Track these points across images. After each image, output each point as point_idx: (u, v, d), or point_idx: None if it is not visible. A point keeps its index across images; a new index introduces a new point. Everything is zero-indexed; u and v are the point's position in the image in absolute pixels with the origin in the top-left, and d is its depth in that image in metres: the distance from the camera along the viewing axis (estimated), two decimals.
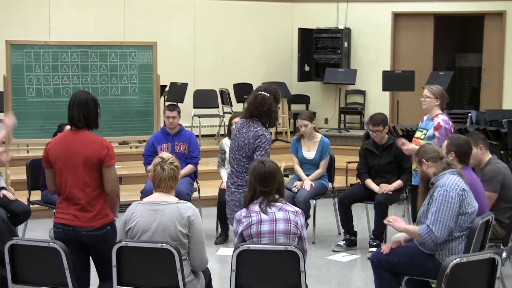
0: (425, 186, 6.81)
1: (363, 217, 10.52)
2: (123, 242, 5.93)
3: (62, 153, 6.42)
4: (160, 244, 5.81)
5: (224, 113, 16.44)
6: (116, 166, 9.75)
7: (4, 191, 9.28)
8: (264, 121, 7.74)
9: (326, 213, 10.85)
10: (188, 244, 6.03)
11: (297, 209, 6.25)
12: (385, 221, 7.21)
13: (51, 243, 5.95)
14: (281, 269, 5.89)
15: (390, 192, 9.78)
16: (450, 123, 9.13)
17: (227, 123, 12.11)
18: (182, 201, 6.16)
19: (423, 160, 6.87)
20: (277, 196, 6.18)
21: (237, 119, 10.31)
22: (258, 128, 7.66)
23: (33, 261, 6.09)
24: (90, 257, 6.61)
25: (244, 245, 5.90)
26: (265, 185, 6.15)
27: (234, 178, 7.88)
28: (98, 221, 6.38)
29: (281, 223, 6.04)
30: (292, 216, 6.10)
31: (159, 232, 5.94)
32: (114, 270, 5.95)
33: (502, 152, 12.13)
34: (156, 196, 6.12)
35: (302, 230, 6.16)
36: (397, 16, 17.49)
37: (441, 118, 9.00)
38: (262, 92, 7.77)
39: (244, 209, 6.17)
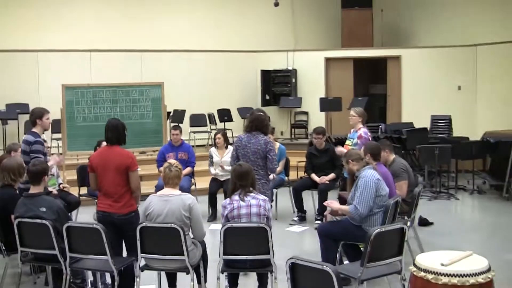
0: (351, 179, 6.89)
1: (310, 199, 10.41)
2: (144, 223, 5.87)
3: (100, 162, 6.38)
4: (170, 224, 5.76)
5: (211, 129, 16.22)
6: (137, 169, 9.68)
7: (62, 184, 9.19)
8: (264, 132, 7.49)
9: (284, 198, 10.73)
10: (190, 223, 5.95)
11: (265, 197, 6.23)
12: (325, 203, 7.18)
13: (94, 225, 5.88)
14: (255, 240, 5.82)
15: (327, 182, 9.76)
16: (369, 133, 9.19)
17: (213, 137, 12.05)
18: (184, 193, 6.10)
19: (350, 160, 6.91)
20: (251, 189, 6.13)
21: (219, 135, 10.32)
22: (265, 137, 7.44)
23: (82, 237, 5.99)
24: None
25: (228, 224, 5.85)
26: (242, 180, 6.10)
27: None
28: (126, 209, 6.31)
29: (254, 207, 6.00)
30: (262, 202, 6.06)
31: (169, 216, 5.89)
32: (138, 243, 5.88)
33: (403, 152, 12.22)
34: (166, 191, 6.06)
35: (269, 212, 6.11)
36: (328, 60, 17.43)
37: (362, 131, 9.06)
38: (260, 113, 7.62)
39: (228, 199, 6.12)
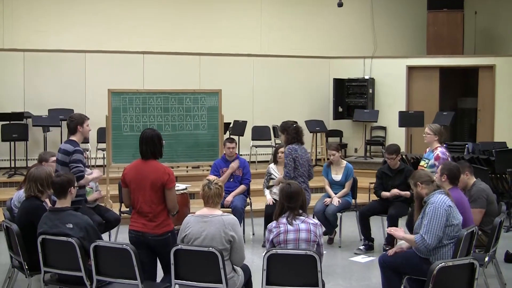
0: (419, 204, 6.68)
1: (379, 226, 10.25)
2: (179, 245, 5.88)
3: (134, 177, 6.45)
4: (208, 248, 5.74)
5: (276, 144, 16.21)
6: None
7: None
8: (302, 143, 9.08)
9: (350, 223, 10.62)
10: (230, 247, 5.93)
11: (316, 221, 6.19)
12: (387, 230, 7.07)
13: (124, 245, 5.91)
14: (302, 269, 5.76)
15: (398, 195, 9.62)
16: (447, 154, 9.02)
17: (272, 152, 12.00)
18: (226, 213, 6.07)
19: (418, 183, 6.76)
20: (300, 211, 6.08)
21: (283, 149, 10.22)
22: None
23: (111, 258, 6.04)
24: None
25: (273, 250, 5.82)
26: (291, 202, 6.06)
27: (305, 183, 8.79)
28: (161, 229, 6.35)
29: (303, 232, 5.97)
30: (313, 227, 6.02)
31: (208, 239, 5.88)
32: (172, 268, 5.89)
33: (492, 175, 11.89)
34: (205, 211, 6.05)
35: (320, 238, 6.07)
36: (410, 69, 17.22)
37: (440, 151, 8.90)
38: (295, 124, 9.02)
39: (275, 221, 6.07)
